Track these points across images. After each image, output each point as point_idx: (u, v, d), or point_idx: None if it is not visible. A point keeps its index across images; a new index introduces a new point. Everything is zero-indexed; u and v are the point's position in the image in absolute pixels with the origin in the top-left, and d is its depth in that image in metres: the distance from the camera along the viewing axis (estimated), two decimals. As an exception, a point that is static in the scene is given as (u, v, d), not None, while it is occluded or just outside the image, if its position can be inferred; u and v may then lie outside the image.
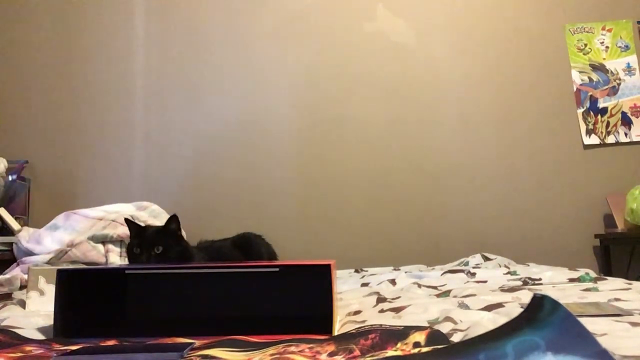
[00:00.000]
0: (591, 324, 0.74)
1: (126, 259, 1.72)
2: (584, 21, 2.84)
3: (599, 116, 2.75)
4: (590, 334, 0.49)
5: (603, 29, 2.83)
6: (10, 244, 2.03)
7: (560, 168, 2.70)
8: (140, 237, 1.23)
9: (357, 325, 0.87)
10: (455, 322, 0.84)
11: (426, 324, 0.86)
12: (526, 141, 2.73)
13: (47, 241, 1.84)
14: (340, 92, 2.82)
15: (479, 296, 1.17)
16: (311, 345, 0.72)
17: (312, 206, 2.72)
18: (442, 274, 1.70)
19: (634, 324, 0.77)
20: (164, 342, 0.80)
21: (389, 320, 0.93)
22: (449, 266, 2.04)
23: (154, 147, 2.81)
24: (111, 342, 0.82)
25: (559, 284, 1.41)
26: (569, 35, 2.83)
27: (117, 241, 1.79)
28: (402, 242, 2.65)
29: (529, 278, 1.47)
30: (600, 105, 2.76)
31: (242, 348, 0.74)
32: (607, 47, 2.82)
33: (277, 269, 1.07)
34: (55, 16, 2.92)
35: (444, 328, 0.81)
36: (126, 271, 1.09)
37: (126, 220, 1.28)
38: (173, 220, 1.27)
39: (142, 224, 1.36)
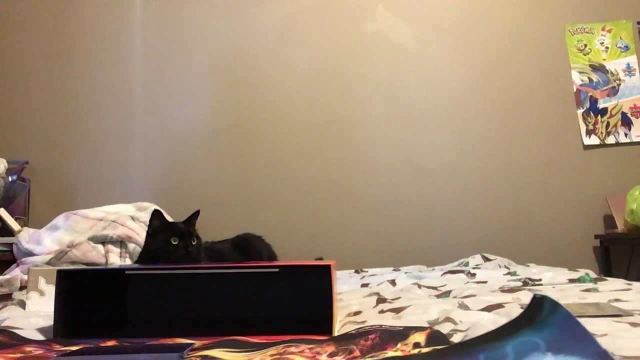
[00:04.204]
0: (591, 325, 0.74)
1: (126, 259, 1.72)
2: (584, 22, 2.84)
3: (599, 117, 2.75)
4: (590, 335, 0.49)
5: (603, 29, 2.84)
6: (10, 244, 2.03)
7: (560, 168, 2.70)
8: (173, 230, 1.24)
9: (357, 326, 0.87)
10: (455, 323, 0.84)
11: (426, 325, 0.86)
12: (526, 141, 2.73)
13: (47, 242, 1.83)
14: (340, 92, 2.82)
15: (479, 297, 1.17)
16: (311, 345, 0.72)
17: (312, 207, 2.72)
18: (442, 275, 1.70)
19: (634, 325, 0.77)
20: (164, 343, 0.80)
21: (389, 320, 0.93)
22: (449, 267, 2.04)
23: (153, 147, 2.81)
24: (111, 343, 0.82)
25: (559, 284, 1.41)
26: (569, 36, 2.83)
27: (117, 242, 1.78)
28: (402, 242, 2.65)
29: (529, 279, 1.47)
30: (600, 105, 2.76)
31: (242, 348, 0.74)
32: (607, 47, 2.82)
33: (277, 270, 1.07)
34: (55, 17, 2.92)
35: (444, 328, 0.81)
36: (126, 271, 1.09)
37: (155, 211, 1.27)
38: (197, 215, 1.31)
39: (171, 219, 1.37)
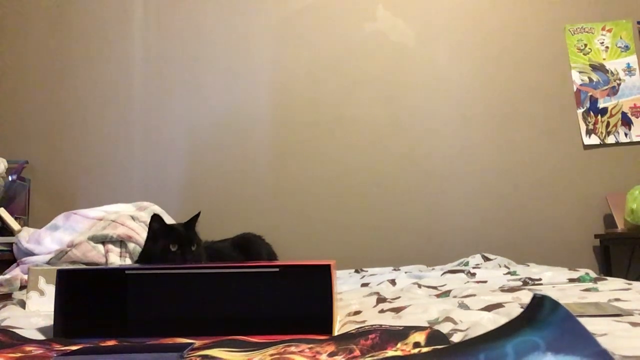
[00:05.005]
0: (591, 324, 0.74)
1: (126, 259, 1.72)
2: (584, 21, 2.84)
3: (599, 116, 2.75)
4: (590, 334, 0.49)
5: (603, 29, 2.84)
6: (10, 244, 2.03)
7: (560, 168, 2.70)
8: (173, 235, 1.21)
9: (357, 326, 0.87)
10: (455, 322, 0.84)
11: (426, 324, 0.86)
12: (526, 141, 2.73)
13: (47, 241, 1.84)
14: (340, 92, 2.82)
15: (479, 296, 1.17)
16: (311, 345, 0.72)
17: (312, 206, 2.72)
18: (442, 274, 1.70)
19: (634, 324, 0.77)
20: (164, 343, 0.80)
21: (389, 320, 0.93)
22: (449, 266, 2.04)
23: (153, 147, 2.81)
24: (111, 343, 0.82)
25: (559, 284, 1.41)
26: (569, 36, 2.83)
27: (117, 241, 1.78)
28: (402, 242, 2.65)
29: (529, 278, 1.47)
30: (600, 105, 2.76)
31: (242, 348, 0.74)
32: (607, 47, 2.82)
33: (277, 269, 1.07)
34: (55, 17, 2.92)
35: (444, 328, 0.81)
36: (126, 271, 1.09)
37: (155, 215, 1.24)
38: (197, 217, 1.28)
39: (173, 222, 1.35)
